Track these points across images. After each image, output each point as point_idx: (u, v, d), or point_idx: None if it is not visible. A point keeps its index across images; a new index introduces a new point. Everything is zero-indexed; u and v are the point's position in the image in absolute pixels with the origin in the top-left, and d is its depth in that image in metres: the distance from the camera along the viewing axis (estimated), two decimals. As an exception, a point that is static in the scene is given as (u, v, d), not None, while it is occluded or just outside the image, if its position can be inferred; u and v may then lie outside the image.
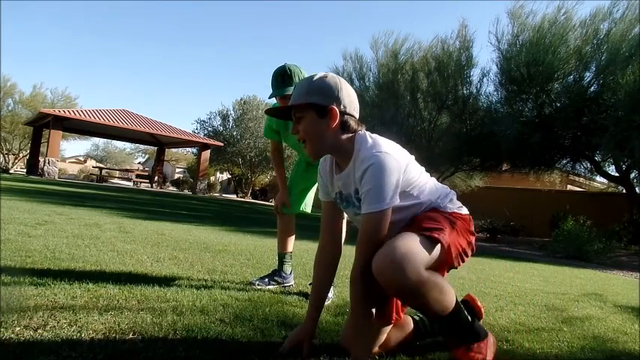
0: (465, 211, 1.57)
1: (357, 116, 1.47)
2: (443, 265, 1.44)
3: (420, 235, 1.34)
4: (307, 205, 2.56)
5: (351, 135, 1.44)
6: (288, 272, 2.53)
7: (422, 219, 1.43)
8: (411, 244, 1.30)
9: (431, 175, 1.60)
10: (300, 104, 1.40)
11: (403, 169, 1.38)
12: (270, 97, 2.21)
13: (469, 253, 1.54)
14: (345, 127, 1.42)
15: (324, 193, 1.62)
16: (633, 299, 3.68)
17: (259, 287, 2.37)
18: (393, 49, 13.82)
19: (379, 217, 1.33)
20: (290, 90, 2.11)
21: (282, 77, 2.12)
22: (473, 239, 1.56)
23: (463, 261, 1.53)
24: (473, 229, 1.58)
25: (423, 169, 1.54)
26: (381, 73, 14.07)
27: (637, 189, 10.83)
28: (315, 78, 1.42)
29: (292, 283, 2.56)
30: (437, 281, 1.33)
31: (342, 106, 1.41)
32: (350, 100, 1.43)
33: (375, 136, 1.44)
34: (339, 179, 1.51)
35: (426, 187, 1.51)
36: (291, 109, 1.45)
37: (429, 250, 1.33)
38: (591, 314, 2.73)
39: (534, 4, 14.69)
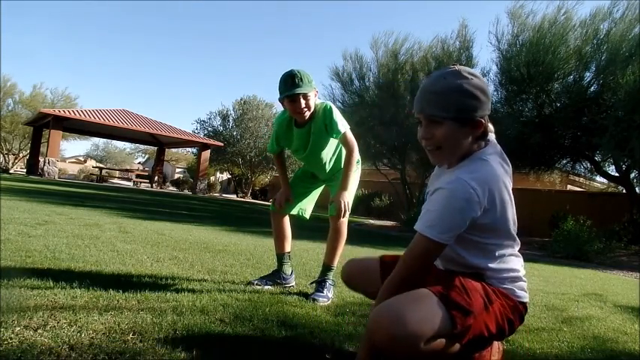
0: (519, 297, 1.35)
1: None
2: (452, 341, 1.23)
3: (442, 301, 1.19)
4: (306, 212, 2.56)
5: (481, 144, 1.31)
6: (289, 273, 2.53)
7: (456, 286, 1.24)
8: (420, 314, 1.15)
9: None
10: (443, 115, 1.23)
11: (478, 213, 1.20)
12: (279, 99, 2.20)
13: (496, 339, 1.33)
14: (483, 135, 1.30)
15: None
16: (633, 299, 3.68)
17: (258, 287, 2.37)
18: (393, 49, 13.83)
19: (428, 245, 1.21)
20: (300, 90, 2.11)
21: (293, 79, 2.13)
22: (508, 330, 1.32)
23: (482, 345, 1.32)
24: (517, 321, 1.34)
25: (515, 242, 1.36)
26: (381, 73, 14.07)
27: (637, 189, 10.82)
28: (459, 80, 1.23)
29: (293, 284, 2.55)
30: (435, 351, 1.18)
31: (485, 112, 1.26)
32: (490, 100, 1.27)
33: (493, 166, 1.26)
34: (436, 172, 1.46)
35: (497, 254, 1.32)
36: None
37: (442, 324, 1.17)
38: (591, 314, 2.73)
39: (534, 4, 14.75)
